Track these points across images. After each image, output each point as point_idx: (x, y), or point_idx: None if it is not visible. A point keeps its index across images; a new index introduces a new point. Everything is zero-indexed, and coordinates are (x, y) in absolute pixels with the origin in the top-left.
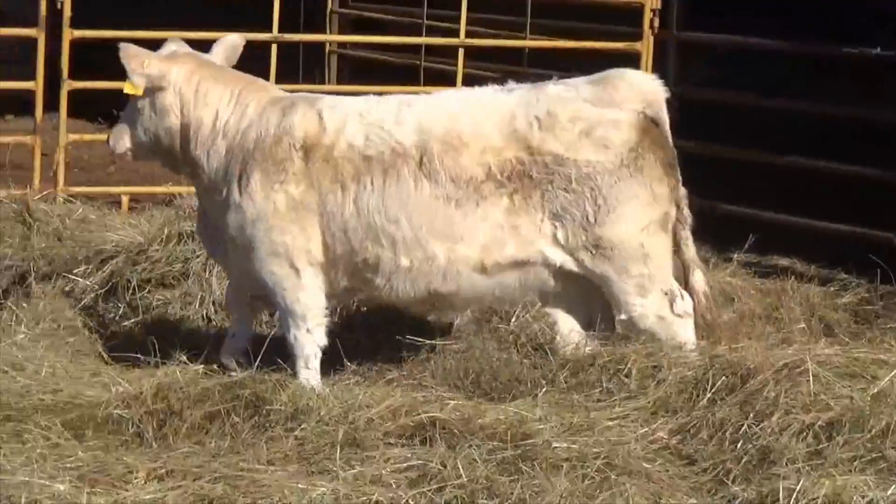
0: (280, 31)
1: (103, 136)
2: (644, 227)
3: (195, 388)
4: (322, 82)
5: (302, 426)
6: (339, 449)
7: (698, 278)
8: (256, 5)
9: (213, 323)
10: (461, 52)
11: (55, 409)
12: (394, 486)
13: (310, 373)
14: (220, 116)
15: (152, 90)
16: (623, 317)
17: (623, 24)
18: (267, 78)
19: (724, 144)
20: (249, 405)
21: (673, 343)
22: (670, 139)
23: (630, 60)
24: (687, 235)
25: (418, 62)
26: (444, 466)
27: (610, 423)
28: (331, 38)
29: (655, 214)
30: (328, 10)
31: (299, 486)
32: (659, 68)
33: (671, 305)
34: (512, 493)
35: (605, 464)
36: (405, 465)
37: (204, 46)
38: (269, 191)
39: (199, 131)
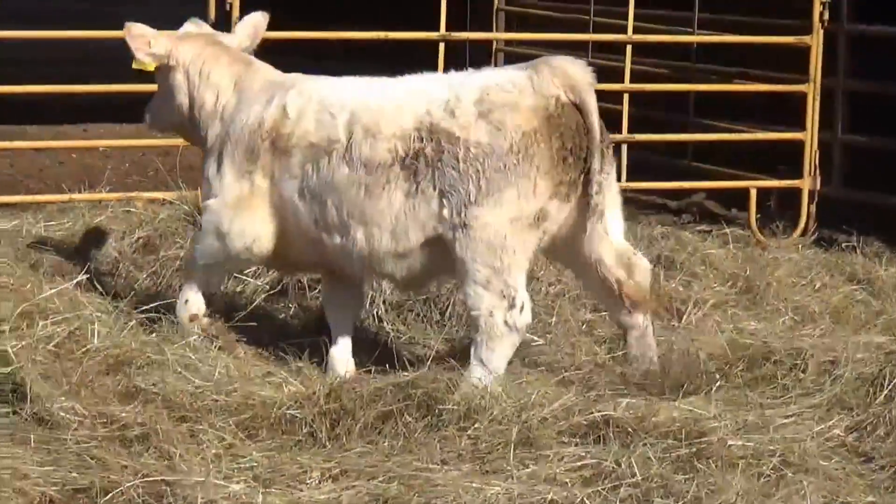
0: (447, 30)
1: None
2: (514, 218)
3: (368, 387)
4: None
5: (475, 425)
6: (512, 448)
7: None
8: (423, 4)
9: (384, 323)
10: (629, 48)
11: (229, 409)
12: (568, 484)
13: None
14: (220, 99)
15: (166, 68)
16: (461, 296)
17: (792, 18)
18: None
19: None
20: (422, 405)
21: (483, 349)
22: (595, 126)
23: (799, 54)
24: (595, 229)
25: (586, 59)
26: (619, 465)
27: (785, 421)
28: (497, 35)
29: (530, 209)
30: (494, 7)
31: (473, 485)
32: (829, 62)
33: (507, 311)
34: (687, 492)
35: (781, 462)
36: (579, 463)
37: (371, 46)
38: (238, 177)
39: (202, 111)
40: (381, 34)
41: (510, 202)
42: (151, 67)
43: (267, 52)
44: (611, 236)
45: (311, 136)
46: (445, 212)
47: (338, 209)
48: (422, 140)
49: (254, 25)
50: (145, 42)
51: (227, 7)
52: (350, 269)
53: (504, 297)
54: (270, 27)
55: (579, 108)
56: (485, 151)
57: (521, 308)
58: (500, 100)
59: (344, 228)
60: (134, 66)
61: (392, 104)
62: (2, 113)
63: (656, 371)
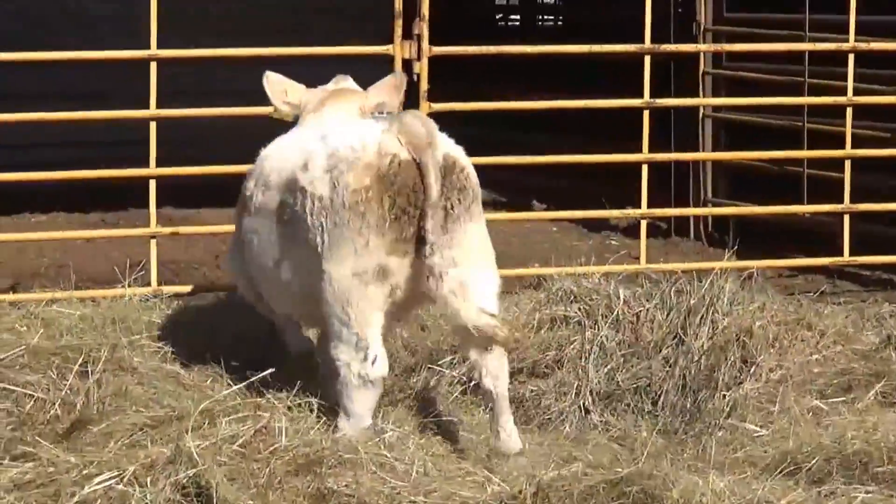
0: (652, 97)
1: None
2: (355, 273)
3: (578, 485)
4: (696, 148)
5: None
6: None
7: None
8: (626, 70)
9: (592, 415)
10: (849, 111)
11: None
12: None
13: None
14: None
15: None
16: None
17: None
18: (639, 147)
19: None
20: (638, 503)
21: (343, 399)
22: (432, 186)
23: None
24: (435, 287)
25: (801, 123)
26: None
27: None
28: (704, 101)
29: (367, 264)
30: (700, 71)
31: None
32: None
33: (360, 363)
34: None
35: None
36: None
37: (572, 115)
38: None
39: None
40: (581, 103)
41: (348, 257)
42: (290, 118)
43: (463, 121)
44: (468, 300)
45: (248, 189)
46: (307, 264)
47: (258, 263)
48: (288, 192)
49: (388, 85)
50: (282, 91)
51: (415, 78)
52: (309, 324)
53: (358, 349)
54: (466, 97)
55: (419, 165)
56: (325, 207)
57: (374, 361)
58: (343, 156)
59: (268, 281)
60: (273, 115)
61: (282, 157)
62: (176, 196)
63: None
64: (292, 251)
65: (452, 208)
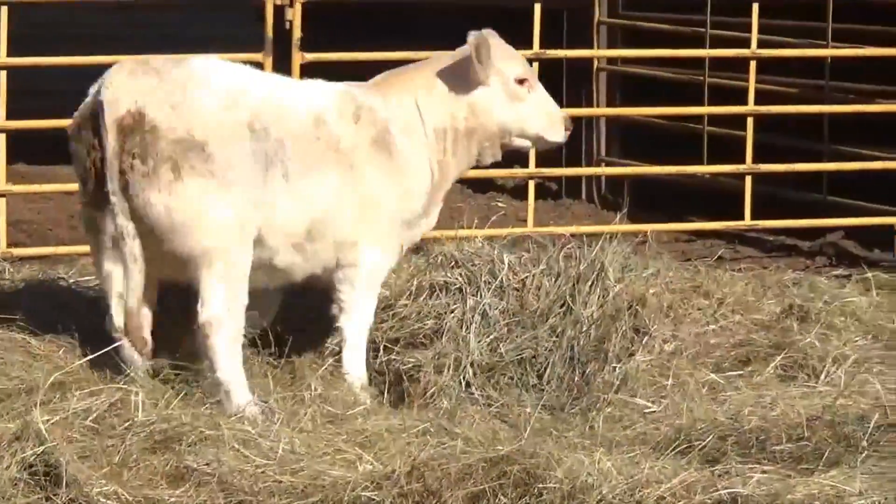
0: (542, 47)
1: None
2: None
3: (455, 464)
4: (589, 103)
5: None
6: None
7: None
8: (513, 19)
9: (472, 388)
10: (752, 64)
11: (294, 492)
12: None
13: None
14: None
15: None
16: None
17: None
18: None
19: None
20: (519, 483)
21: None
22: (104, 143)
23: None
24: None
25: (701, 78)
26: None
27: None
28: (598, 53)
29: (82, 215)
30: (595, 20)
31: None
32: None
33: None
34: None
35: None
36: None
37: None
38: None
39: None
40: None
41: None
42: None
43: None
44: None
45: None
46: None
47: None
48: None
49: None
50: None
51: (287, 25)
52: None
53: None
54: (334, 49)
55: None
56: None
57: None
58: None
59: None
60: None
61: None
62: (27, 152)
63: None
64: None
65: (123, 173)
